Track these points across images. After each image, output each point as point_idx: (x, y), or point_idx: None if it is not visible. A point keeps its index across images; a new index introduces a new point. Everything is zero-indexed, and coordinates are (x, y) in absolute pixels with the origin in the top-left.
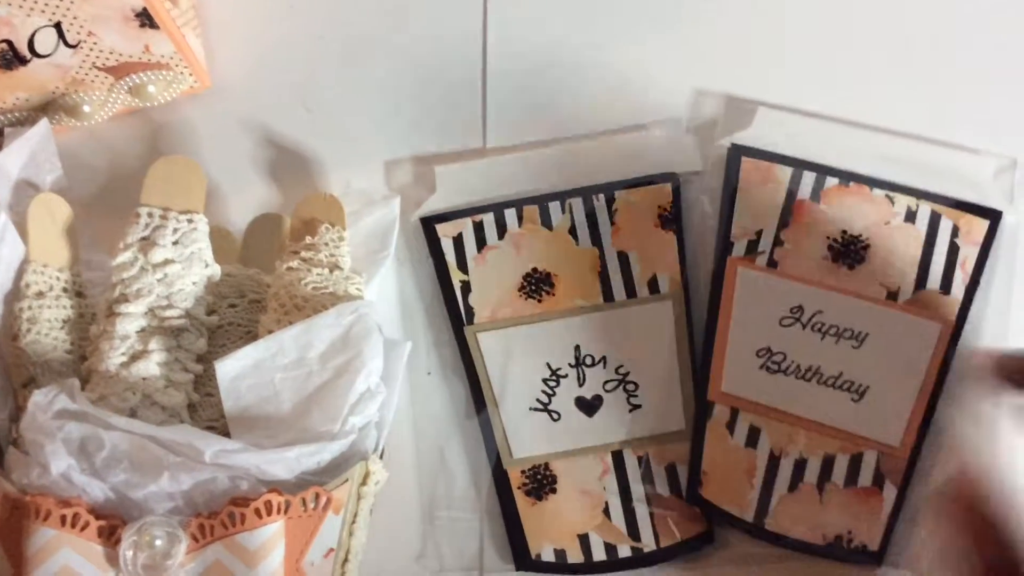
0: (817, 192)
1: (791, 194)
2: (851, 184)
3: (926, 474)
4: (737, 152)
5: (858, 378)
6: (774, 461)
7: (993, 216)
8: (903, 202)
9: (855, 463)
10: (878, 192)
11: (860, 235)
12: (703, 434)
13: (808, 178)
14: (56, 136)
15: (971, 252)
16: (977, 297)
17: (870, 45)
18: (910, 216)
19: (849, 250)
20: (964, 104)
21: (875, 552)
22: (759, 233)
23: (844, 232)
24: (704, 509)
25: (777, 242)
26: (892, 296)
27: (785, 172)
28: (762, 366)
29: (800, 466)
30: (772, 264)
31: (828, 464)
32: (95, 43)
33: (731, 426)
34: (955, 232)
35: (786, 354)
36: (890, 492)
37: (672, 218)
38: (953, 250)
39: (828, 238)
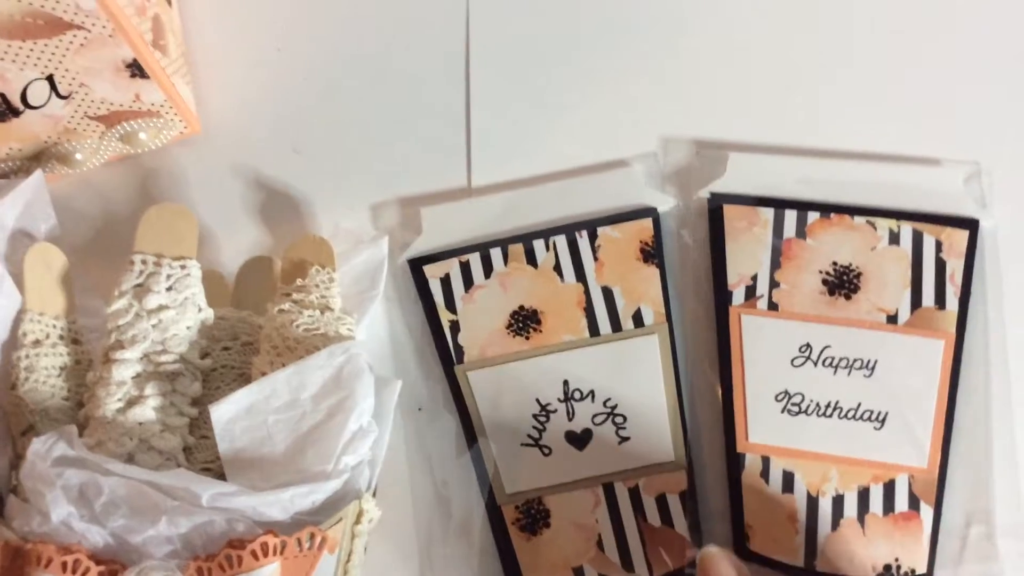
0: (802, 228)
1: (777, 234)
2: (832, 216)
3: (957, 488)
4: (718, 201)
5: (876, 406)
6: (812, 502)
7: (971, 226)
8: (885, 225)
9: (889, 490)
10: (859, 219)
11: (850, 264)
12: (739, 488)
13: (791, 216)
14: (49, 184)
15: (957, 264)
16: (971, 306)
17: (824, 73)
18: (894, 238)
19: (843, 280)
20: (924, 116)
21: (924, 575)
22: (754, 278)
23: (835, 263)
24: (757, 562)
25: (773, 284)
26: (892, 319)
27: (768, 213)
28: (783, 410)
29: (838, 502)
30: (773, 307)
31: (864, 496)
32: (87, 94)
33: (765, 475)
34: (939, 247)
35: (804, 394)
36: (927, 513)
37: (654, 252)
38: (940, 265)
39: (821, 272)
